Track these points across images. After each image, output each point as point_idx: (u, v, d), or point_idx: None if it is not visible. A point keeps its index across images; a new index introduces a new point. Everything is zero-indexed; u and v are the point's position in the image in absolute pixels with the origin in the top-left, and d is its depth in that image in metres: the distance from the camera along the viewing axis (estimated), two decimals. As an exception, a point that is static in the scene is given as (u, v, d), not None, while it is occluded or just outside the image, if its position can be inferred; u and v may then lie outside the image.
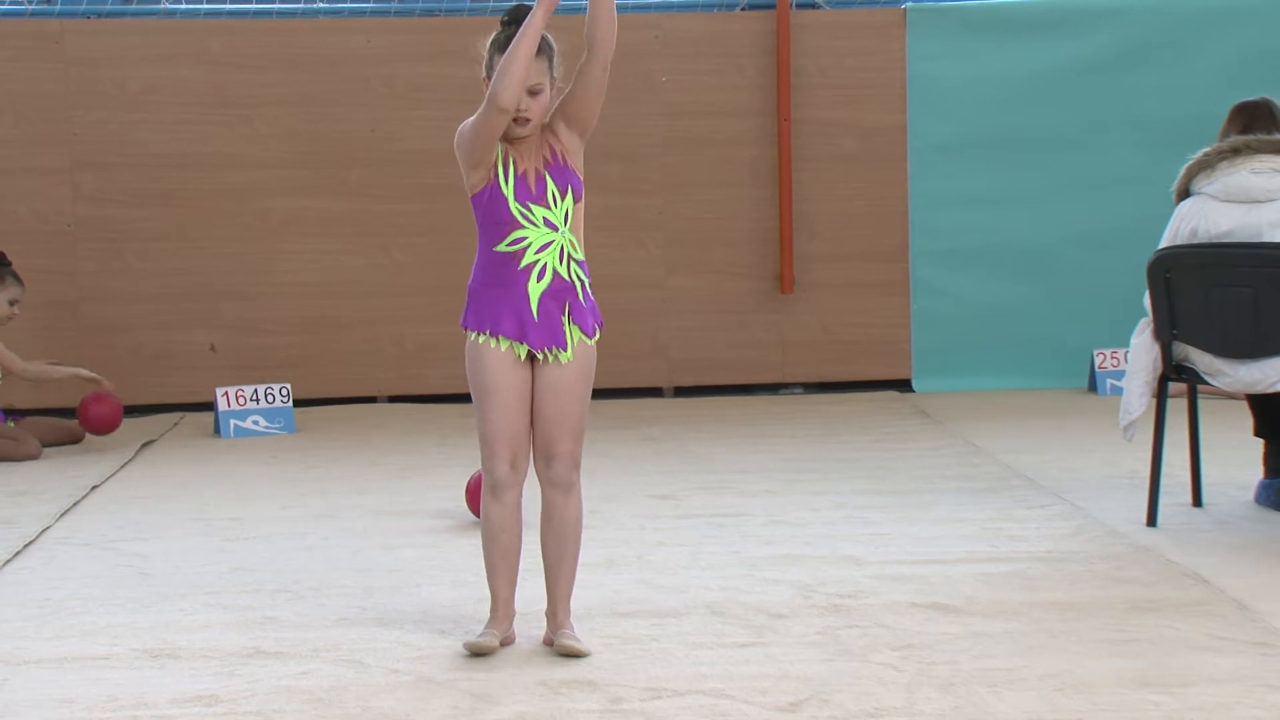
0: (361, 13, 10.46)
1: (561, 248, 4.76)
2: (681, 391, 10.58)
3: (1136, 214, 10.17)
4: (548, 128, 4.89)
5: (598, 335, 4.85)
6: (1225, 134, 6.61)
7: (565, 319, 4.77)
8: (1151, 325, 6.34)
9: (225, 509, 7.13)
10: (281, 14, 10.42)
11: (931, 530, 6.35)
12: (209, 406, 9.73)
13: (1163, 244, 6.35)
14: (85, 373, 8.81)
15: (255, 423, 9.29)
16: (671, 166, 10.48)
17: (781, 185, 10.45)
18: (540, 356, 4.77)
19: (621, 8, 10.56)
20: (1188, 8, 10.49)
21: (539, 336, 4.76)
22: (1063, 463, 7.73)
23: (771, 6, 10.47)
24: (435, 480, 7.65)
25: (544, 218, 4.77)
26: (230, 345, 10.27)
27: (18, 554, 6.27)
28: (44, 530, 6.71)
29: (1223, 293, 6.10)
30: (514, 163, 4.83)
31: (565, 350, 4.77)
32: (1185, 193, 6.44)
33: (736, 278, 10.55)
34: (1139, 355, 6.39)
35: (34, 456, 8.52)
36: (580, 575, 5.68)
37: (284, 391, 9.39)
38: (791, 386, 10.67)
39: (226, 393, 9.29)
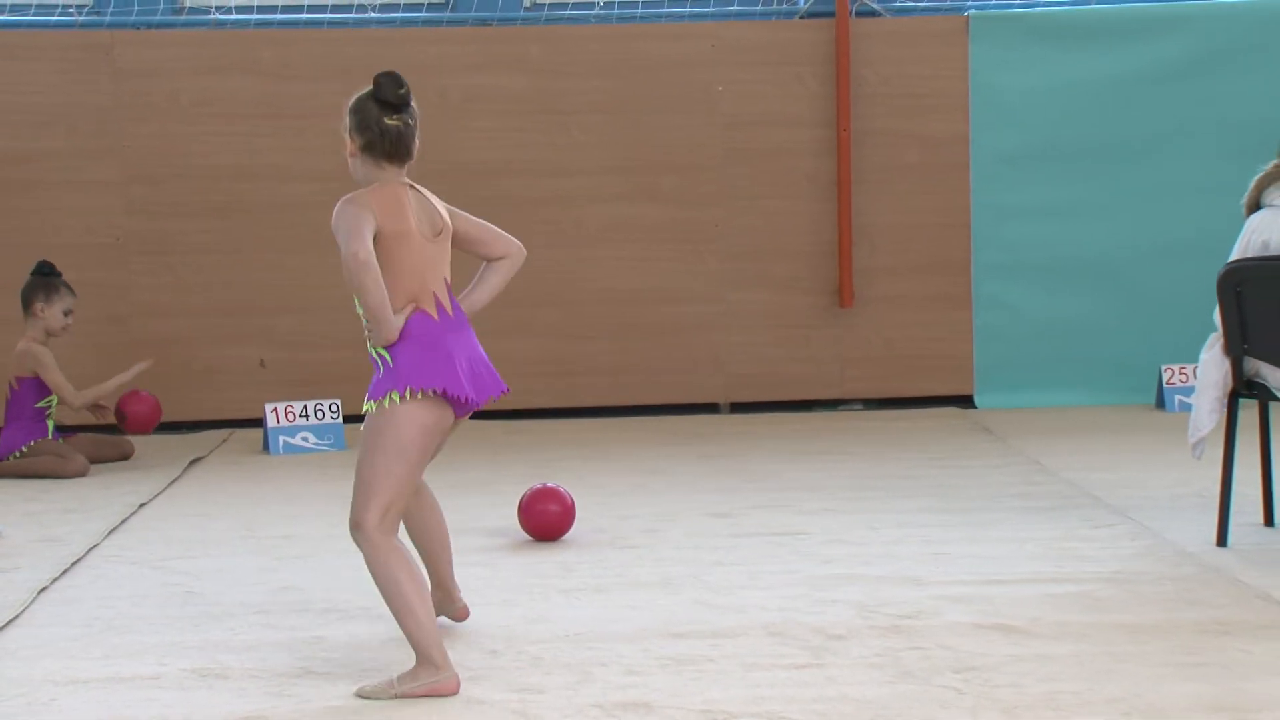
0: (413, 22, 10.50)
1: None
2: (739, 407, 10.56)
3: (1205, 226, 10.10)
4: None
5: (386, 398, 4.77)
6: (1291, 146, 6.58)
7: None
8: (1221, 340, 6.29)
9: (274, 527, 7.16)
10: (333, 24, 10.48)
11: (995, 550, 6.31)
12: (258, 423, 9.77)
13: (1233, 257, 6.31)
14: (125, 376, 8.89)
15: (305, 439, 9.33)
16: (729, 178, 10.47)
17: (841, 197, 10.42)
18: None
19: (678, 17, 10.61)
20: (1257, 13, 10.42)
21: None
22: (1130, 481, 7.68)
23: (831, 14, 10.46)
24: (487, 498, 7.65)
25: None
26: (280, 360, 10.32)
27: (66, 572, 6.31)
28: (92, 548, 6.76)
29: (1295, 307, 6.05)
30: None
31: None
32: (1256, 205, 6.39)
33: (795, 292, 10.52)
34: (1208, 370, 6.34)
35: (82, 473, 8.57)
36: (636, 595, 5.70)
37: (334, 407, 9.42)
38: (851, 403, 10.63)
39: (276, 409, 9.33)
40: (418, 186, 5.00)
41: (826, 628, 5.22)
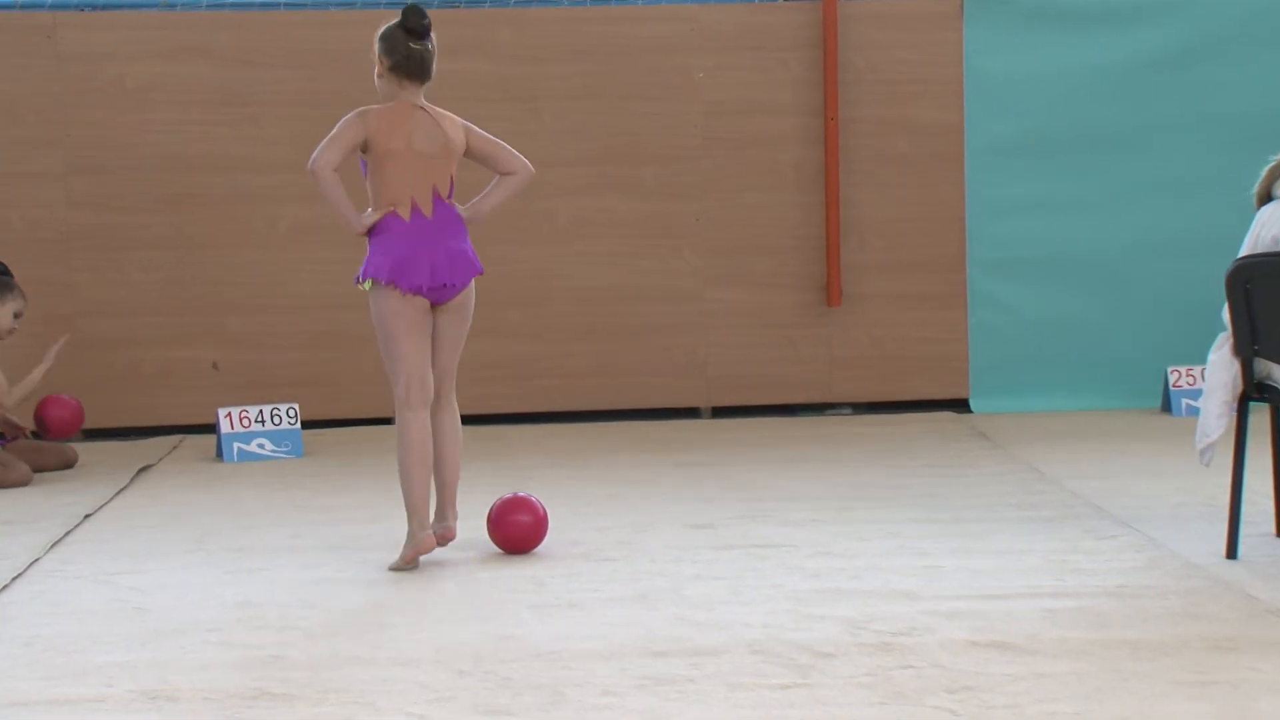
0: (376, 4, 10.48)
1: None
2: (720, 412, 10.56)
3: (1213, 220, 10.12)
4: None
5: (361, 284, 6.41)
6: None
7: None
8: (1231, 340, 6.30)
9: (228, 539, 7.14)
10: (290, 6, 10.45)
11: (991, 562, 6.32)
12: (211, 429, 9.74)
13: (1242, 252, 6.32)
14: (47, 361, 8.92)
15: (260, 446, 9.30)
16: (710, 169, 10.47)
17: (828, 189, 10.43)
18: None
19: (656, -2, 10.61)
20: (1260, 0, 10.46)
21: None
22: (1134, 490, 7.70)
23: (818, -4, 10.48)
24: (455, 508, 7.62)
25: None
26: (234, 362, 10.29)
27: (5, 587, 6.30)
28: (34, 562, 6.74)
29: (1308, 305, 6.06)
30: None
31: None
32: (1267, 196, 6.40)
33: (780, 289, 10.53)
34: (1217, 373, 6.35)
35: (24, 483, 8.55)
36: (611, 610, 5.70)
37: (291, 412, 9.40)
38: (839, 407, 10.64)
39: (230, 414, 9.30)
40: (429, 109, 6.39)
41: (813, 645, 5.22)
